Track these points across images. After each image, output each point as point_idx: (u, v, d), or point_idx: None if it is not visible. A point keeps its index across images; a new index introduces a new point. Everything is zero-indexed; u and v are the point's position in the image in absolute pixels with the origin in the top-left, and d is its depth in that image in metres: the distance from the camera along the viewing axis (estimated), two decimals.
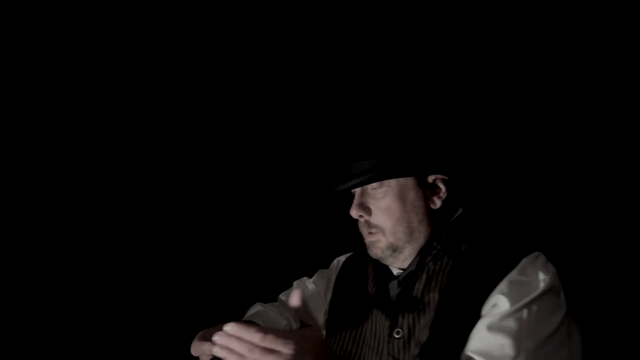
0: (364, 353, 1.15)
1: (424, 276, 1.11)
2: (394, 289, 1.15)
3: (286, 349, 0.79)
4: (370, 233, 1.15)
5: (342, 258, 1.39)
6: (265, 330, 0.80)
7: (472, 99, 1.70)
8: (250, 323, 0.84)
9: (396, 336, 1.09)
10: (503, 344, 0.94)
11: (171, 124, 1.88)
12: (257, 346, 0.79)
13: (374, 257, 1.17)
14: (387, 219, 1.12)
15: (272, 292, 1.45)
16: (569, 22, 1.63)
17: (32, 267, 1.74)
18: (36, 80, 1.77)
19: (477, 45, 1.71)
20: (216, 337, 0.81)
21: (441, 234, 1.13)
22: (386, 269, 1.20)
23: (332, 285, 1.34)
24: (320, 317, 1.32)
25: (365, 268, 1.28)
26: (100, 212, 1.82)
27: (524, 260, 1.03)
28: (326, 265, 1.43)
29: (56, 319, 1.75)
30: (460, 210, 1.18)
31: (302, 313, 0.87)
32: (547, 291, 1.00)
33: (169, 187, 1.87)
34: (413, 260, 1.13)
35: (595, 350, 1.15)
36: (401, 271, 1.16)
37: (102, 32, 1.80)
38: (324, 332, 1.30)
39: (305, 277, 1.42)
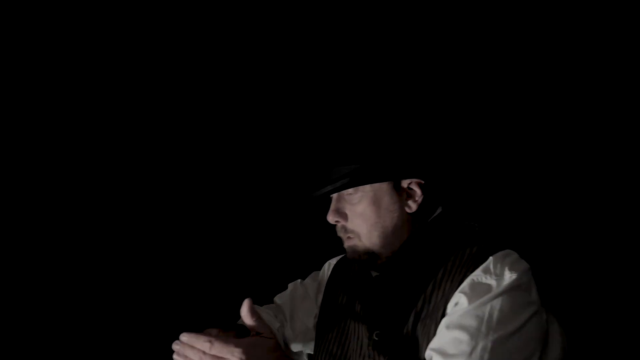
0: (349, 355, 1.18)
1: (400, 278, 1.13)
2: (372, 292, 1.16)
3: (232, 356, 0.85)
4: (348, 238, 1.17)
5: (333, 261, 1.41)
6: (213, 339, 0.85)
7: (445, 103, 1.70)
8: (203, 331, 0.90)
9: (375, 338, 1.11)
10: (460, 340, 0.95)
11: (163, 128, 1.92)
12: (206, 354, 0.85)
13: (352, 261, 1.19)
14: (362, 224, 1.14)
15: (268, 294, 1.48)
16: (542, 24, 1.62)
17: (32, 267, 1.81)
18: (36, 80, 1.82)
19: (449, 49, 1.71)
20: (175, 346, 0.88)
21: (417, 236, 1.14)
22: (366, 272, 1.21)
23: (323, 288, 1.37)
24: (311, 320, 1.34)
25: (350, 271, 1.30)
26: (96, 214, 1.87)
27: (491, 258, 1.03)
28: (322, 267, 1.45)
29: (56, 318, 1.81)
30: (439, 210, 1.18)
31: (254, 323, 0.91)
32: (513, 288, 0.99)
33: (163, 192, 1.92)
34: (389, 264, 1.15)
35: (582, 348, 1.14)
36: (378, 274, 1.17)
37: (102, 32, 1.85)
38: (314, 335, 1.33)
39: (299, 280, 1.45)
